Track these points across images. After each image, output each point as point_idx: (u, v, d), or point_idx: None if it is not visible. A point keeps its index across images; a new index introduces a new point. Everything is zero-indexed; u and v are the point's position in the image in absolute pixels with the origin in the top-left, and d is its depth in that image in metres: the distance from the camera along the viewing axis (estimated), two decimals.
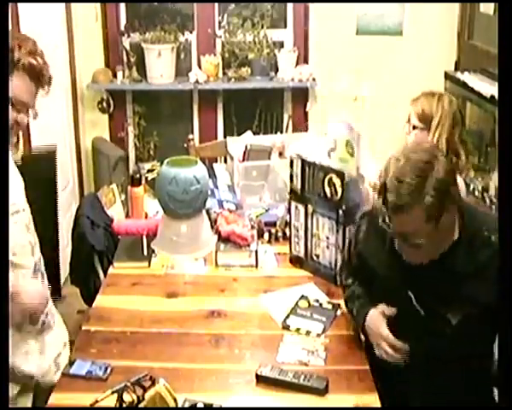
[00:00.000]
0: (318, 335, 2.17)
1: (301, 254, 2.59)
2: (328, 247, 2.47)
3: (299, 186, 2.52)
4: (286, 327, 2.22)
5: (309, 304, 2.34)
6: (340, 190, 2.37)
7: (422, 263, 1.89)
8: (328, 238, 2.47)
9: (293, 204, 2.58)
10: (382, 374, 2.00)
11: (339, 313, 2.30)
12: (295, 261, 2.63)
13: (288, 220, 2.67)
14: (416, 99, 2.77)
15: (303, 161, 2.49)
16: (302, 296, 2.38)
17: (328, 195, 2.41)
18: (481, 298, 1.86)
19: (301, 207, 2.54)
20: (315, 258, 2.54)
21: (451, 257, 1.88)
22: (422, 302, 1.93)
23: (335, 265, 2.46)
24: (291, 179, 2.56)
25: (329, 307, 2.33)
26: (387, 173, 1.80)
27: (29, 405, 2.05)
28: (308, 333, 2.18)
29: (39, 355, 2.03)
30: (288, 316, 2.27)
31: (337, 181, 2.37)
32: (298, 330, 2.20)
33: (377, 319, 2.00)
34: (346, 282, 2.25)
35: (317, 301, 2.36)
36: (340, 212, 2.38)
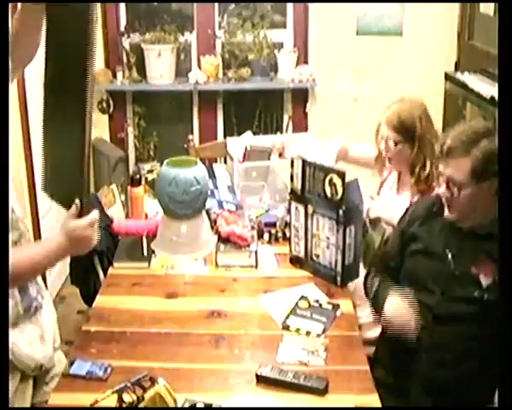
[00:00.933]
0: (318, 335, 2.17)
1: (301, 254, 2.59)
2: (328, 247, 2.47)
3: (299, 187, 2.53)
4: (286, 327, 2.21)
5: (309, 304, 2.34)
6: (340, 190, 2.37)
7: (463, 230, 2.09)
8: (328, 238, 2.47)
9: (294, 205, 2.58)
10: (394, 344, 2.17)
11: (339, 313, 2.30)
12: (295, 262, 2.63)
13: (288, 221, 2.66)
14: (387, 111, 2.67)
15: (303, 162, 2.49)
16: (302, 297, 2.38)
17: (329, 195, 2.41)
18: None
19: (301, 208, 2.54)
20: (315, 258, 2.54)
21: (492, 227, 2.00)
22: (458, 263, 2.07)
23: (335, 265, 2.46)
24: (291, 179, 2.56)
25: (329, 307, 2.33)
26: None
27: (29, 391, 2.04)
28: (308, 333, 2.18)
29: (41, 344, 2.03)
30: (287, 316, 2.27)
31: (338, 181, 2.37)
32: (298, 330, 2.20)
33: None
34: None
35: (317, 301, 2.36)
36: (341, 212, 2.38)
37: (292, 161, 2.54)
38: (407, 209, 2.35)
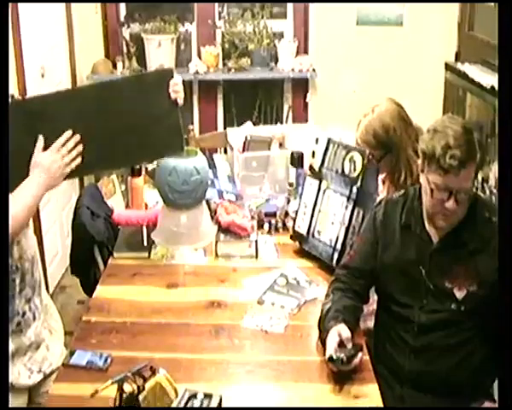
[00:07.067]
0: (292, 309, 2.23)
1: (304, 230, 2.60)
2: (333, 223, 2.48)
3: (318, 163, 2.56)
4: (261, 302, 2.27)
5: (287, 281, 2.40)
6: (359, 168, 2.39)
7: (433, 241, 2.03)
8: (335, 215, 2.48)
9: (309, 180, 2.61)
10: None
11: (315, 290, 2.34)
12: (296, 238, 2.65)
13: (299, 199, 2.65)
14: (360, 128, 2.54)
15: (329, 140, 2.54)
16: (281, 274, 2.44)
17: (347, 171, 2.43)
18: (486, 275, 1.95)
19: (315, 183, 2.56)
20: (316, 234, 2.55)
21: (459, 233, 1.99)
22: (432, 278, 2.02)
23: (336, 242, 2.45)
24: (313, 156, 2.59)
25: (306, 285, 2.38)
26: (434, 143, 1.87)
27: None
28: (282, 308, 2.25)
29: (11, 363, 1.96)
30: (264, 292, 2.33)
31: (358, 159, 2.40)
32: (272, 304, 2.26)
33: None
34: (338, 271, 2.25)
35: (295, 279, 2.41)
36: (354, 189, 2.40)
37: (317, 139, 2.57)
38: (375, 213, 2.20)
